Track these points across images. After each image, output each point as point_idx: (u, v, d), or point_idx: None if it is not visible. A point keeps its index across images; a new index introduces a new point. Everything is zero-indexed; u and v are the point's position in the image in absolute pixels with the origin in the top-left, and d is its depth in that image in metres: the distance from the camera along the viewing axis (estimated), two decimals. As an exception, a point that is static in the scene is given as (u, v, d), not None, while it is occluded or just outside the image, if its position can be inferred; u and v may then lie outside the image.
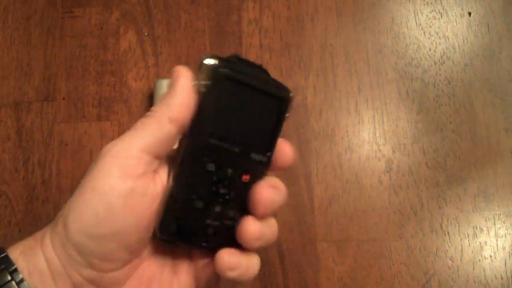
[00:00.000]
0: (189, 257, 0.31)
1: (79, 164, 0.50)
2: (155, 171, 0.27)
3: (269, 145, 0.30)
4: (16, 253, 0.26)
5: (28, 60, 0.53)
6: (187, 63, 0.53)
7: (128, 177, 0.25)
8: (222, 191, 0.28)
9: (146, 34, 0.53)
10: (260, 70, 0.30)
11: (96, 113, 0.51)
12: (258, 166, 0.30)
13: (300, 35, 0.53)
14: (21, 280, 0.25)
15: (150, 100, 0.51)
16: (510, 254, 0.47)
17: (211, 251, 0.29)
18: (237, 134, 0.29)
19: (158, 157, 0.27)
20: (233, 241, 0.29)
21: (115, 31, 0.53)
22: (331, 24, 0.54)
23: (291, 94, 0.31)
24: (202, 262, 0.30)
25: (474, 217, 0.48)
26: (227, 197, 0.28)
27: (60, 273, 0.26)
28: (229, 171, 0.28)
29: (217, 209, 0.28)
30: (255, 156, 0.29)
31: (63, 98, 0.52)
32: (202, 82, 0.28)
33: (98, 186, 0.25)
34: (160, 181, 0.27)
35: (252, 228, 0.29)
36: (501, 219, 0.48)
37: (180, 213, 0.27)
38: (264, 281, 0.47)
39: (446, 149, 0.50)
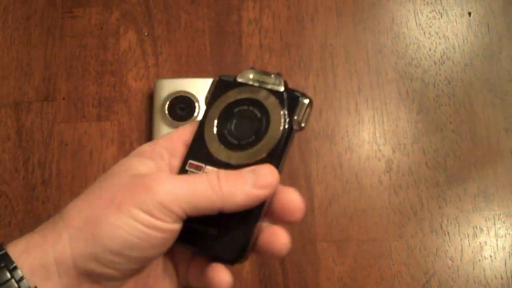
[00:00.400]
0: (171, 254, 0.31)
1: (79, 164, 0.50)
2: None
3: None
4: (18, 250, 0.26)
5: (28, 60, 0.53)
6: (187, 63, 0.53)
7: (165, 221, 0.27)
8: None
9: (146, 34, 0.53)
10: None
11: (96, 113, 0.51)
12: None
13: (300, 35, 0.53)
14: (21, 278, 0.25)
15: (150, 100, 0.51)
16: (510, 254, 0.47)
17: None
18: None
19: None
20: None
21: (115, 31, 0.53)
22: (331, 24, 0.54)
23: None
24: (179, 261, 0.31)
25: (474, 217, 0.48)
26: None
27: (69, 272, 0.26)
28: None
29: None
30: None
31: (63, 98, 0.52)
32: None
33: (140, 219, 0.26)
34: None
35: (282, 241, 0.29)
36: (501, 219, 0.48)
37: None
38: (264, 281, 0.47)
39: (446, 149, 0.50)
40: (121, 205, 0.26)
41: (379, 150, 0.50)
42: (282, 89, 0.30)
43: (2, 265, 0.25)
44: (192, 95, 0.49)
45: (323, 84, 0.52)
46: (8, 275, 0.25)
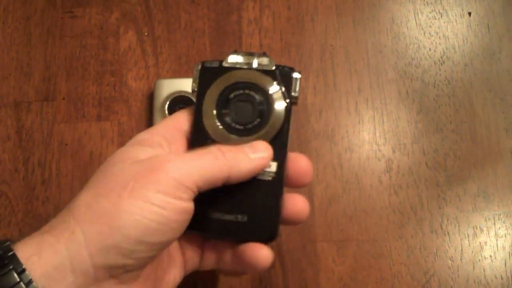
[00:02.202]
0: (179, 240, 0.32)
1: (79, 164, 0.50)
2: None
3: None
4: (28, 252, 0.25)
5: (28, 60, 0.53)
6: (187, 63, 0.53)
7: (181, 199, 0.27)
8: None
9: (146, 34, 0.53)
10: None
11: (96, 113, 0.51)
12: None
13: (300, 35, 0.53)
14: (30, 281, 0.24)
15: (150, 100, 0.51)
16: (510, 254, 0.47)
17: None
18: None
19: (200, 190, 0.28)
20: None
21: (115, 31, 0.54)
22: (331, 24, 0.54)
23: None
24: (189, 245, 0.32)
25: (474, 217, 0.48)
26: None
27: (86, 270, 0.26)
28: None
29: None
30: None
31: (63, 98, 0.52)
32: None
33: (157, 201, 0.26)
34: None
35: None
36: (501, 219, 0.48)
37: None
38: (264, 281, 0.47)
39: (446, 149, 0.50)
40: (134, 190, 0.26)
41: (379, 150, 0.50)
42: (273, 67, 0.30)
43: (11, 267, 0.24)
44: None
45: (323, 84, 0.52)
46: (17, 278, 0.24)
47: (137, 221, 0.25)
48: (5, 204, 0.49)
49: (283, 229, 0.47)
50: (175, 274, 0.32)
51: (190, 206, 0.27)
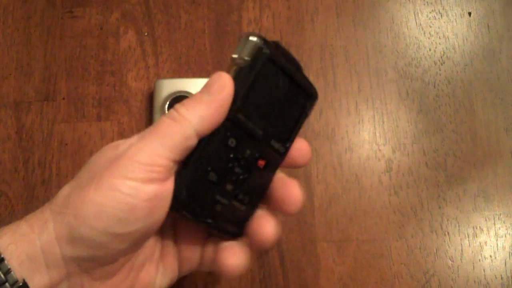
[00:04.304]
0: (175, 240, 0.31)
1: (79, 164, 0.50)
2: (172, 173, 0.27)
3: (289, 136, 0.30)
4: (5, 241, 0.25)
5: (28, 60, 0.53)
6: (187, 63, 0.53)
7: (153, 182, 0.25)
8: (237, 170, 0.28)
9: (146, 34, 0.53)
10: (296, 64, 0.30)
11: (96, 113, 0.51)
12: (275, 154, 0.29)
13: (300, 35, 0.53)
14: (8, 271, 0.24)
15: (150, 100, 0.51)
16: (510, 254, 0.47)
17: (214, 230, 0.29)
18: (263, 117, 0.28)
19: (177, 162, 0.27)
20: (237, 226, 0.29)
21: (115, 31, 0.54)
22: (331, 24, 0.54)
23: (317, 94, 0.31)
24: (187, 245, 0.31)
25: (474, 217, 0.48)
26: (240, 177, 0.28)
27: (57, 262, 0.25)
28: (248, 152, 0.28)
29: (229, 187, 0.28)
30: (274, 143, 0.29)
31: (63, 98, 0.52)
32: (243, 57, 0.28)
33: (123, 188, 0.25)
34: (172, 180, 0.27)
35: (269, 228, 0.29)
36: (501, 219, 0.48)
37: (193, 181, 0.27)
38: (264, 281, 0.47)
39: (446, 149, 0.50)
40: (102, 179, 0.25)
41: (379, 150, 0.50)
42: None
43: None
44: (192, 95, 0.49)
45: (323, 84, 0.52)
46: None
47: (102, 211, 0.24)
48: (5, 204, 0.49)
49: (283, 229, 0.47)
50: (161, 280, 0.30)
51: (163, 188, 0.25)
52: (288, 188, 0.29)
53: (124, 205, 0.24)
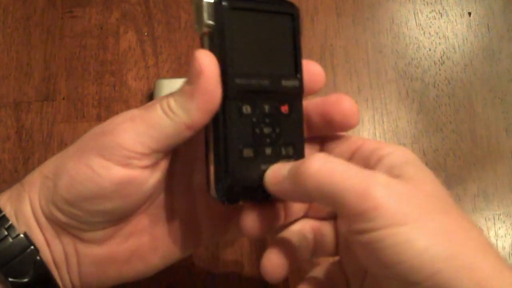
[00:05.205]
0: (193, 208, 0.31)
1: (79, 164, 0.50)
2: (157, 162, 0.26)
3: (296, 67, 0.28)
4: (3, 200, 0.26)
5: (28, 60, 0.53)
6: (187, 63, 0.53)
7: (128, 167, 0.24)
8: (267, 130, 0.26)
9: (146, 34, 0.53)
10: None
11: (96, 113, 0.51)
12: (292, 92, 0.27)
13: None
14: (10, 226, 0.25)
15: (150, 100, 0.51)
16: (510, 254, 0.47)
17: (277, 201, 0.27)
18: (260, 65, 0.26)
19: (166, 153, 0.26)
20: None
21: (115, 31, 0.53)
22: (331, 24, 0.54)
23: (297, 8, 0.28)
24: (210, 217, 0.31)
25: (474, 217, 0.48)
26: (273, 135, 0.26)
27: (44, 222, 0.26)
28: (266, 107, 0.26)
29: (268, 151, 0.26)
30: (286, 82, 0.27)
31: (63, 98, 0.52)
32: (207, 23, 0.26)
33: (95, 166, 0.24)
34: (160, 169, 0.26)
35: (348, 102, 0.30)
36: (501, 219, 0.48)
37: (234, 169, 0.25)
38: (264, 281, 0.47)
39: (446, 149, 0.50)
40: (84, 153, 0.25)
41: (379, 150, 0.50)
42: None
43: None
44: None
45: (323, 84, 0.52)
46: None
47: (72, 184, 0.24)
48: (5, 204, 0.49)
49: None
50: (163, 255, 0.29)
51: (139, 175, 0.25)
52: (310, 68, 0.28)
53: (91, 183, 0.24)
